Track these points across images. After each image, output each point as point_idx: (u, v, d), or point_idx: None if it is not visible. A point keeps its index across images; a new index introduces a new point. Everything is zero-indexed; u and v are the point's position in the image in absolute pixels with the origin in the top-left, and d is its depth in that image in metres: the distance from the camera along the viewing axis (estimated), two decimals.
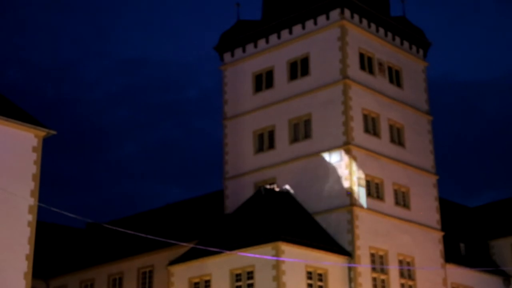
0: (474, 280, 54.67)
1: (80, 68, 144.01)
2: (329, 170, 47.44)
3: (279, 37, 52.63)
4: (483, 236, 60.18)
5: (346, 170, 46.67)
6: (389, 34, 53.22)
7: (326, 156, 47.63)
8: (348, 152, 46.95)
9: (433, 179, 52.75)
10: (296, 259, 41.62)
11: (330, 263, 43.67)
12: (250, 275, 42.13)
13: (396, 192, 49.46)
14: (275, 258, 41.10)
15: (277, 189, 48.56)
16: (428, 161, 52.86)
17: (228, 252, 42.23)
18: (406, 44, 54.47)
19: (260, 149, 51.38)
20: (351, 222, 45.70)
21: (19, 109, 35.98)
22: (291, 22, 52.14)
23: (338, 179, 46.87)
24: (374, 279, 45.80)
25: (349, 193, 45.99)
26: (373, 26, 51.99)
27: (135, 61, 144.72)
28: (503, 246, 58.74)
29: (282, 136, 50.33)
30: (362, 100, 49.19)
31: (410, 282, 48.18)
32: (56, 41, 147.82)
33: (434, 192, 52.42)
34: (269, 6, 55.18)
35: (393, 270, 47.12)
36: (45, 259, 56.82)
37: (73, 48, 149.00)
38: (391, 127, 50.86)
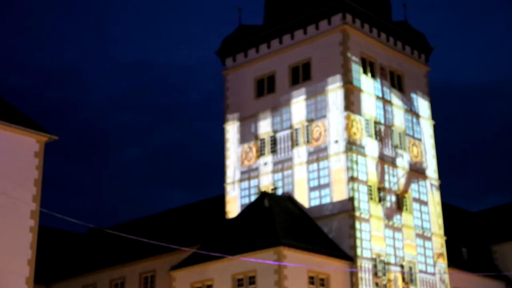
0: (477, 285, 54.63)
1: (82, 71, 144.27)
2: (331, 174, 47.42)
3: (280, 42, 52.67)
4: (485, 241, 60.15)
5: (348, 174, 46.68)
6: (391, 39, 53.26)
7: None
8: (350, 156, 46.95)
9: (436, 183, 52.71)
10: (298, 264, 41.58)
11: (332, 268, 43.64)
12: (252, 280, 42.10)
13: (398, 197, 49.42)
14: (277, 263, 41.07)
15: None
16: (431, 165, 52.83)
17: (230, 257, 42.23)
18: (408, 48, 54.49)
19: (262, 154, 51.36)
20: (353, 227, 45.66)
21: (21, 114, 36.00)
22: (293, 27, 52.18)
23: (340, 184, 46.84)
24: (376, 284, 45.76)
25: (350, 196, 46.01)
26: (374, 31, 52.02)
27: (137, 65, 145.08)
28: (506, 250, 58.74)
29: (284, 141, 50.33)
30: (364, 105, 49.19)
31: (412, 287, 48.10)
32: (57, 45, 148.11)
33: (436, 197, 52.39)
34: (270, 11, 55.23)
35: (395, 274, 47.03)
36: (47, 264, 56.85)
37: (75, 52, 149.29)
38: (393, 131, 50.82)
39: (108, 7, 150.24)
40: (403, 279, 47.67)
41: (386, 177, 48.90)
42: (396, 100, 51.73)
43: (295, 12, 52.55)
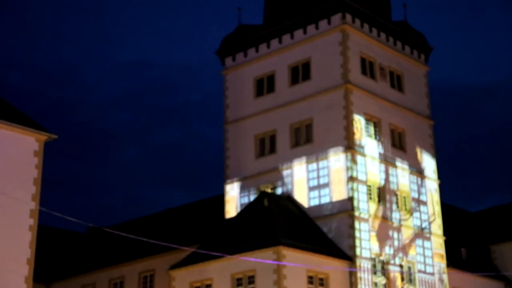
0: (475, 285, 54.66)
1: (82, 71, 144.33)
2: (331, 174, 47.42)
3: (280, 41, 52.67)
4: (484, 241, 60.17)
5: (348, 174, 46.70)
6: (391, 39, 53.26)
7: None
8: (349, 156, 46.96)
9: (435, 184, 52.70)
10: (297, 263, 41.59)
11: (331, 268, 43.64)
12: (251, 279, 42.12)
13: (397, 197, 49.42)
14: (276, 262, 41.08)
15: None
16: (430, 165, 52.83)
17: (229, 257, 42.23)
18: (407, 48, 54.50)
19: (261, 153, 51.37)
20: (352, 227, 45.66)
21: (20, 113, 36.01)
22: (293, 26, 52.18)
23: (339, 183, 46.84)
24: (375, 284, 45.77)
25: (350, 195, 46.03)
26: (374, 30, 52.02)
27: (136, 65, 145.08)
28: (505, 251, 58.77)
29: (283, 140, 50.32)
30: (364, 104, 49.20)
31: (411, 287, 48.12)
32: (57, 44, 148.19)
33: (435, 197, 52.37)
34: (270, 11, 55.23)
35: (394, 274, 47.04)
36: (46, 263, 56.81)
37: (74, 51, 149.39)
38: (392, 132, 50.86)
39: (108, 7, 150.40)
40: (402, 279, 47.68)
41: (386, 177, 48.88)
42: (396, 99, 51.77)
43: (294, 12, 52.54)
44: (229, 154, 52.92)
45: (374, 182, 48.01)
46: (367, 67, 50.69)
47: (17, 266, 33.33)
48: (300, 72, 51.21)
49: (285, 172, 49.52)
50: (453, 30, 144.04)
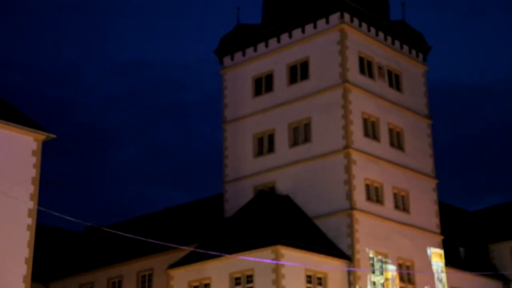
0: (474, 284, 54.69)
1: (80, 71, 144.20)
2: (329, 173, 47.43)
3: (278, 41, 52.68)
4: (482, 240, 60.21)
5: (346, 174, 46.70)
6: (389, 38, 53.27)
7: None
8: (347, 156, 46.98)
9: (433, 183, 52.75)
10: (296, 263, 41.61)
11: (330, 267, 43.65)
12: (250, 278, 42.14)
13: (395, 196, 49.46)
14: (274, 261, 41.11)
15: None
16: (428, 165, 52.87)
17: (227, 256, 42.24)
18: (405, 48, 54.52)
19: (259, 152, 51.38)
20: (350, 226, 45.69)
21: (19, 113, 36.00)
22: (291, 26, 52.19)
23: (337, 183, 46.86)
24: (374, 283, 45.80)
25: (349, 193, 46.00)
26: (372, 30, 52.04)
27: (135, 64, 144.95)
28: (503, 250, 58.81)
29: (281, 139, 50.33)
30: (362, 104, 49.22)
31: (410, 286, 48.16)
32: (56, 44, 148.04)
33: (433, 196, 52.41)
34: (269, 10, 55.24)
35: (393, 274, 47.06)
36: (45, 262, 56.79)
37: (73, 51, 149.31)
38: (390, 131, 50.89)
39: (107, 7, 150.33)
40: (401, 278, 47.71)
41: (384, 176, 48.91)
42: (394, 99, 51.77)
43: (293, 11, 52.55)
44: (228, 153, 52.94)
45: (372, 181, 48.02)
46: (366, 67, 50.71)
47: (15, 265, 33.34)
48: (299, 72, 51.22)
49: (283, 171, 49.50)
50: (452, 30, 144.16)
